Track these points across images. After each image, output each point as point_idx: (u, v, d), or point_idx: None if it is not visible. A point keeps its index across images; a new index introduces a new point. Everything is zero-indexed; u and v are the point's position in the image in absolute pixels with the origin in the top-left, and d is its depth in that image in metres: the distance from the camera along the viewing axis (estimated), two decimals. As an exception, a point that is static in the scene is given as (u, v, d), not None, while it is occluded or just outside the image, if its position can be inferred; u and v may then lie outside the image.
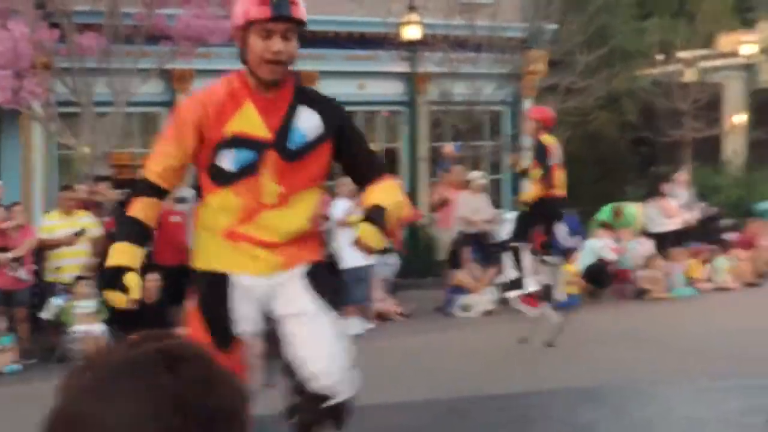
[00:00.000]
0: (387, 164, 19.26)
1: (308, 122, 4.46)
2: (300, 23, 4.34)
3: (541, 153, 10.75)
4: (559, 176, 10.91)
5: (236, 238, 4.45)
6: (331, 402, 4.48)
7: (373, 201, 4.53)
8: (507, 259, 11.21)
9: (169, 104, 16.37)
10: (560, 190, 10.92)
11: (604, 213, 15.79)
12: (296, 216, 4.50)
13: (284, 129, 4.42)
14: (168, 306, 10.96)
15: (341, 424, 4.60)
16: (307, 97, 4.53)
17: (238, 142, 4.37)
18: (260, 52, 4.27)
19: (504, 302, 13.08)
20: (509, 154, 10.83)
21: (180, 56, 14.62)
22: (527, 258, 10.85)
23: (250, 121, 4.38)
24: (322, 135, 4.49)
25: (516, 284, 11.03)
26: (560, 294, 11.06)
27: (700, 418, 7.41)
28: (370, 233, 4.42)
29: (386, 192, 4.58)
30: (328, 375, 4.45)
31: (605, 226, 15.21)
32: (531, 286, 10.87)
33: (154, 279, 11.06)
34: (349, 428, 4.69)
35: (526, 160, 11.03)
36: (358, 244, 4.46)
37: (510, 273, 11.13)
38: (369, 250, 4.49)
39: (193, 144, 4.39)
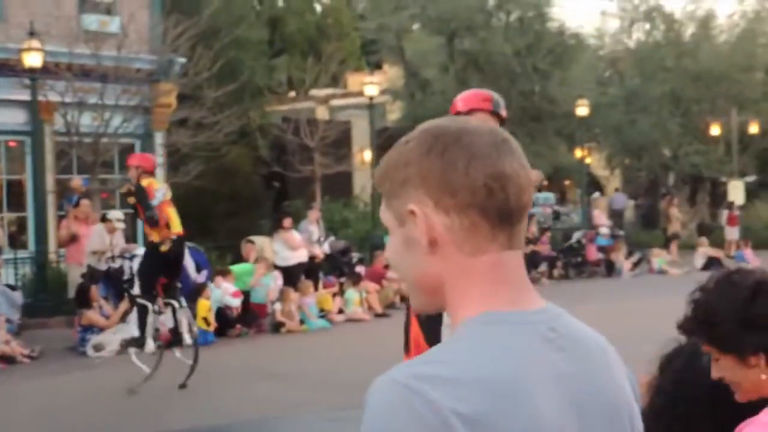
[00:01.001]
0: (12, 197, 18.25)
1: None
2: None
3: (143, 196, 10.24)
4: (170, 214, 10.33)
5: None
6: None
7: None
8: (133, 314, 10.78)
9: None
10: (175, 229, 10.35)
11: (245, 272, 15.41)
12: None
13: None
14: None
15: None
16: None
17: None
18: None
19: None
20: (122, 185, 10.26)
21: None
22: (151, 316, 10.40)
23: None
24: None
25: (138, 341, 10.55)
26: (189, 335, 10.65)
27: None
28: None
29: None
30: None
31: (221, 273, 14.92)
32: (150, 347, 10.42)
33: None
34: None
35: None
36: None
37: (133, 329, 10.74)
38: None
39: None
